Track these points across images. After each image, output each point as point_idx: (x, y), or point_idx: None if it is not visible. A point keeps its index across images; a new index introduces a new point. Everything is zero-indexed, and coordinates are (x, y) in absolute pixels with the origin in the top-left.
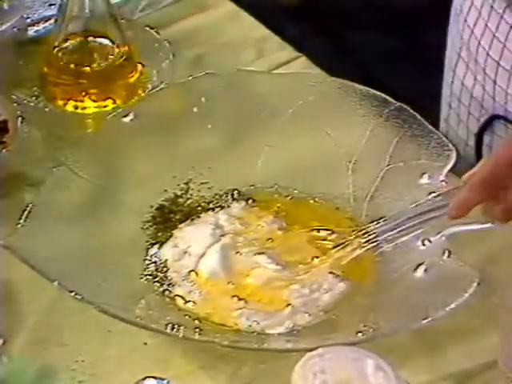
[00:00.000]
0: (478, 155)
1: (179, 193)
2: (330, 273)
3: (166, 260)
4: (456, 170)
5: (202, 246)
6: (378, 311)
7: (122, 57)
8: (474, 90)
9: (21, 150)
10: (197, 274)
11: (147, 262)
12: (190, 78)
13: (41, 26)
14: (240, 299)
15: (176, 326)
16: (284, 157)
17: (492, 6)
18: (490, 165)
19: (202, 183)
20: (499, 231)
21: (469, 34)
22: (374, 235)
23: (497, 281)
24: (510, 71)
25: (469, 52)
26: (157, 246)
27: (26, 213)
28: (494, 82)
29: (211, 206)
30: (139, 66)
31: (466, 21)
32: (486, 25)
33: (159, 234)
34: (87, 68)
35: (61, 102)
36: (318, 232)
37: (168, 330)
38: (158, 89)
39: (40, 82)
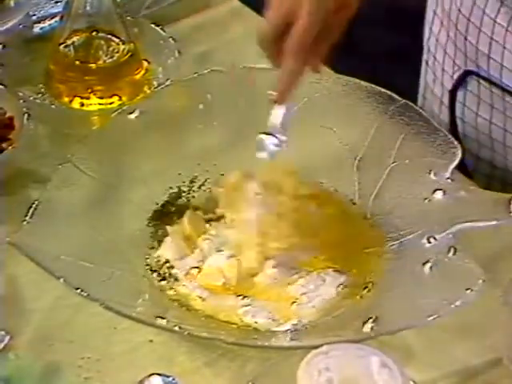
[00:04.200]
0: (452, 112)
1: (185, 190)
2: (332, 268)
3: (170, 257)
4: (461, 168)
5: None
6: (383, 308)
7: (127, 54)
8: (447, 46)
9: (27, 146)
10: (201, 271)
11: (152, 259)
12: (196, 74)
13: (46, 23)
14: (245, 297)
15: (181, 323)
16: (289, 154)
17: None
18: (306, 24)
19: (207, 180)
20: (505, 228)
21: None
22: None
23: (502, 278)
24: (479, 27)
25: (443, 8)
26: (162, 243)
27: (31, 210)
28: (465, 38)
29: None
30: (145, 63)
31: None
32: None
33: (164, 231)
34: (93, 65)
35: (66, 99)
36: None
37: (173, 327)
38: (163, 86)
39: (46, 79)
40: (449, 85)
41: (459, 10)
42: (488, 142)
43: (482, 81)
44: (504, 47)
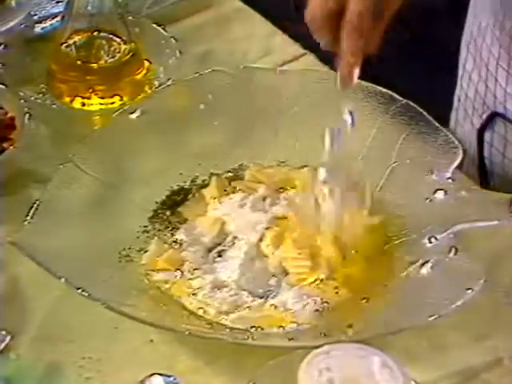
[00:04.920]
0: (480, 151)
1: (186, 189)
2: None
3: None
4: (462, 168)
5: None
6: (384, 308)
7: (128, 53)
8: (478, 85)
9: (28, 146)
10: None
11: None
12: (197, 74)
13: (48, 23)
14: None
15: (182, 322)
16: (290, 153)
17: None
18: (361, 5)
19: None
20: (506, 228)
21: (477, 30)
22: None
23: (503, 278)
24: (507, 70)
25: (476, 47)
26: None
27: (33, 210)
28: (495, 79)
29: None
30: (146, 63)
31: (475, 16)
32: (489, 22)
33: (165, 230)
34: (94, 65)
35: (68, 99)
36: None
37: (174, 327)
38: (164, 85)
39: (47, 79)
40: (477, 124)
41: (490, 51)
42: None
43: (508, 123)
44: None
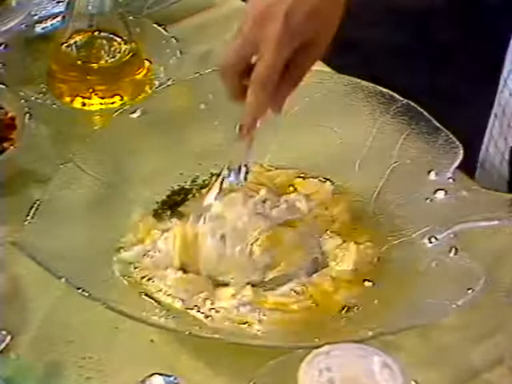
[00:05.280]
0: (511, 169)
1: (186, 189)
2: None
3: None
4: (463, 167)
5: None
6: (385, 308)
7: (129, 53)
8: None
9: (28, 146)
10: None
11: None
12: (197, 74)
13: (48, 23)
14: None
15: (182, 322)
16: (290, 154)
17: None
18: (268, 61)
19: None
20: (506, 228)
21: None
22: None
23: (504, 278)
24: None
25: None
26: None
27: (33, 209)
28: None
29: None
30: (146, 63)
31: None
32: None
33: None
34: (95, 65)
35: (68, 99)
36: None
37: (174, 327)
38: (165, 85)
39: (47, 79)
40: (511, 141)
41: None
42: None
43: None
44: None
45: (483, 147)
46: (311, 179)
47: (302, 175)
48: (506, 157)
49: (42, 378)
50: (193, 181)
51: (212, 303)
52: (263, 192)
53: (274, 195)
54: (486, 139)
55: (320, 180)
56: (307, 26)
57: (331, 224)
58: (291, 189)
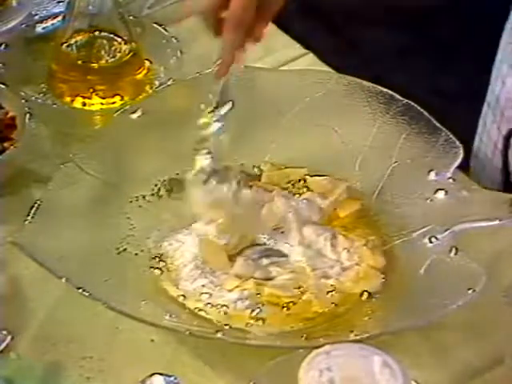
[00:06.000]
0: (505, 159)
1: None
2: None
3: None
4: (463, 167)
5: None
6: (385, 308)
7: (129, 53)
8: (511, 90)
9: (28, 146)
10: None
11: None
12: (197, 74)
13: (49, 23)
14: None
15: (183, 322)
16: (291, 154)
17: None
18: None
19: None
20: (506, 228)
21: None
22: None
23: (504, 278)
24: None
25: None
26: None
27: (33, 209)
28: None
29: None
30: (147, 63)
31: None
32: None
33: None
34: (95, 65)
35: (68, 99)
36: None
37: (175, 327)
38: (165, 85)
39: (48, 79)
40: (504, 130)
41: None
42: None
43: None
44: None
45: (476, 137)
46: (324, 177)
47: (313, 173)
48: (499, 146)
49: (43, 378)
50: None
51: (210, 296)
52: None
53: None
54: (479, 129)
55: (332, 178)
56: None
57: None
58: (304, 188)
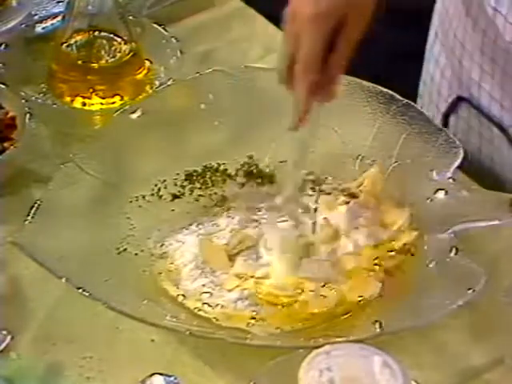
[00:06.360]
0: None
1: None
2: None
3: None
4: (463, 167)
5: None
6: (385, 309)
7: (129, 53)
8: (445, 69)
9: (29, 146)
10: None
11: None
12: (198, 74)
13: (49, 23)
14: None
15: (183, 322)
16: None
17: None
18: (306, 48)
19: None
20: (507, 228)
21: (445, 14)
22: None
23: (504, 278)
24: (471, 53)
25: (443, 31)
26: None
27: (33, 209)
28: (460, 63)
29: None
30: (147, 63)
31: (443, 2)
32: (457, 6)
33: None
34: (95, 65)
35: (68, 99)
36: None
37: (175, 327)
38: (165, 85)
39: (48, 79)
40: (443, 108)
41: (455, 35)
42: None
43: (472, 109)
44: (492, 78)
45: None
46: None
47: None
48: (439, 124)
49: (43, 378)
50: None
51: (210, 295)
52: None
53: None
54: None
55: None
56: (337, 4)
57: None
58: None
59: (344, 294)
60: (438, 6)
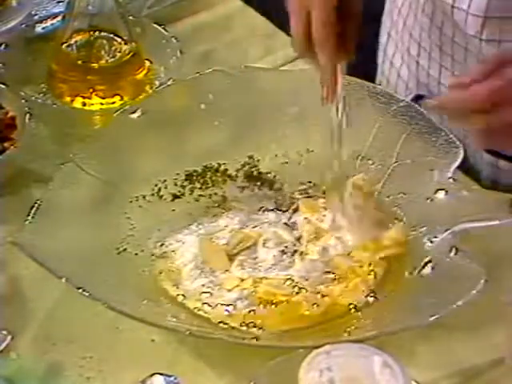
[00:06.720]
0: None
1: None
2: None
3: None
4: (463, 167)
5: None
6: (385, 308)
7: (129, 53)
8: (400, 69)
9: (29, 146)
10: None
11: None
12: (198, 74)
13: (49, 23)
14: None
15: (183, 322)
16: (291, 154)
17: None
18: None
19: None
20: (507, 228)
21: (397, 14)
22: None
23: (504, 278)
24: (429, 53)
25: (396, 30)
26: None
27: (33, 209)
28: (417, 63)
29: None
30: (147, 63)
31: (394, 1)
32: (410, 5)
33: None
34: (95, 65)
35: (68, 99)
36: None
37: (175, 327)
38: (165, 85)
39: (48, 79)
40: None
41: (410, 34)
42: None
43: None
44: (453, 74)
45: None
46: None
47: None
48: None
49: (43, 378)
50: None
51: (210, 295)
52: None
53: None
54: None
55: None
56: None
57: None
58: None
59: (335, 300)
60: (388, 8)
